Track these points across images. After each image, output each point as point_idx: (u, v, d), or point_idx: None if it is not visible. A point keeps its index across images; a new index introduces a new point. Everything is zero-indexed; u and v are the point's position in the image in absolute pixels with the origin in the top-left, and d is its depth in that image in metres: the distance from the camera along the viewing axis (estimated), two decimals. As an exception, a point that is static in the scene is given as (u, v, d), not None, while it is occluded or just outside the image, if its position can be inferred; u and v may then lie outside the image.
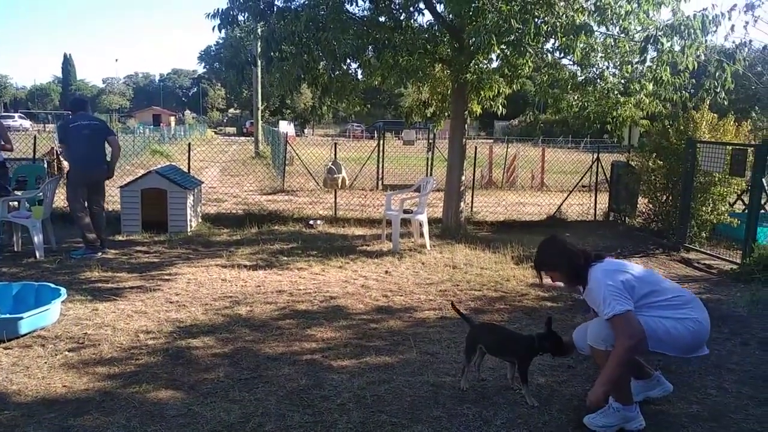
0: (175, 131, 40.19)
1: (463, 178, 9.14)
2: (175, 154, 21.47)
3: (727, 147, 7.49)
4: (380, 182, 14.90)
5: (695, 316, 3.15)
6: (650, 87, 7.96)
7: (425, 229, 7.84)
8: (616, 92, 8.17)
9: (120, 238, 7.87)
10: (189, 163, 10.08)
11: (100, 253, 6.89)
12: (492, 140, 31.99)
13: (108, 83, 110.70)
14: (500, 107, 9.41)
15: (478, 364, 3.71)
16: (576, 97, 8.42)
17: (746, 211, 7.50)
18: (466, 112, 9.01)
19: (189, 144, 10.80)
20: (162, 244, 7.57)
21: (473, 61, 8.15)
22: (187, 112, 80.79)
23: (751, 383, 3.85)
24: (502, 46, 7.37)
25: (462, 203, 9.19)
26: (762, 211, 7.19)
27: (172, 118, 65.28)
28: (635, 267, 3.27)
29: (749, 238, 6.88)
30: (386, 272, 6.52)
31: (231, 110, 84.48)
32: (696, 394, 3.67)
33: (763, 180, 6.85)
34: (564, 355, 3.55)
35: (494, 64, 8.90)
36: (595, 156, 11.63)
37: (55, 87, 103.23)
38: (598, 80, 8.27)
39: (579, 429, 3.19)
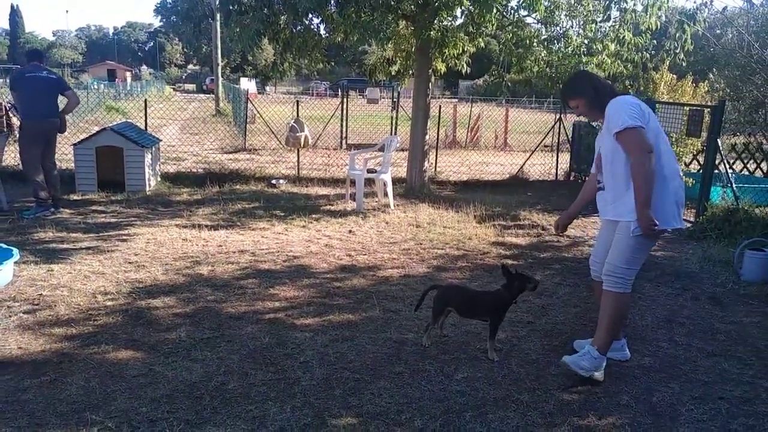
0: (131, 87, 38.88)
1: (427, 137, 9.11)
2: (131, 111, 20.75)
3: (685, 108, 7.62)
4: (344, 141, 14.75)
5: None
6: (612, 47, 8.01)
7: (389, 188, 7.82)
8: (579, 52, 8.18)
9: (75, 197, 7.63)
10: (146, 121, 9.77)
11: (53, 211, 6.68)
12: (456, 100, 31.92)
13: (58, 36, 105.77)
14: (465, 66, 9.35)
15: (442, 322, 3.76)
16: (542, 55, 8.40)
17: (701, 171, 7.69)
18: (431, 71, 8.93)
19: (145, 100, 10.45)
20: (119, 204, 7.37)
21: (437, 18, 8.03)
22: (144, 67, 78.09)
23: (700, 336, 4.01)
24: (467, 2, 7.27)
25: (426, 163, 9.19)
26: (716, 171, 7.39)
27: (128, 74, 63.09)
28: (654, 116, 3.26)
29: (703, 197, 7.09)
30: (350, 232, 6.51)
31: (190, 66, 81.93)
32: (648, 347, 3.81)
33: (718, 140, 7.02)
34: (536, 283, 3.54)
35: (458, 22, 8.79)
36: (558, 116, 11.72)
37: (2, 40, 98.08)
38: (562, 39, 8.27)
39: (536, 382, 3.29)
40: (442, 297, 3.67)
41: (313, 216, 7.13)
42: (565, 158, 11.12)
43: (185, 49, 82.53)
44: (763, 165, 10.51)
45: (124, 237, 5.90)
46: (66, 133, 7.46)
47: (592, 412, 3.00)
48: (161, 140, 9.55)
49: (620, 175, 3.16)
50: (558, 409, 3.01)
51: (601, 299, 3.34)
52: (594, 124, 9.74)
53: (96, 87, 28.75)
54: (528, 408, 3.01)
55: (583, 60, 8.22)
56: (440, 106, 11.99)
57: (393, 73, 9.88)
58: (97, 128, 9.27)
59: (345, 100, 14.79)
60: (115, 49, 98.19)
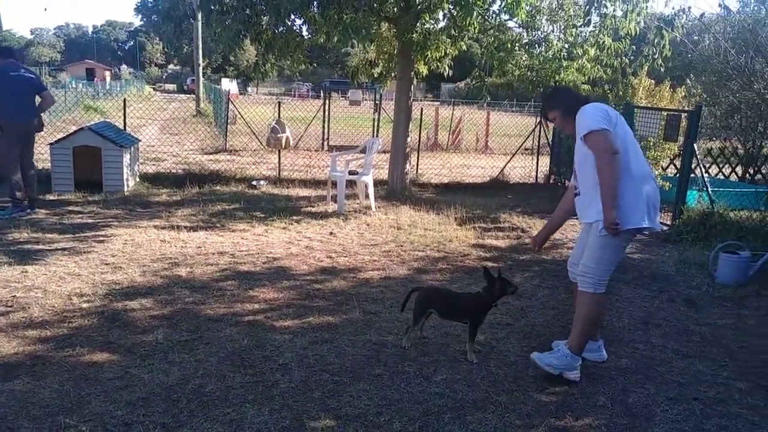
0: (110, 87, 38.40)
1: (409, 139, 9.13)
2: (110, 110, 20.52)
3: (662, 112, 7.73)
4: (325, 143, 14.72)
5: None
6: (592, 52, 8.11)
7: (371, 190, 7.82)
8: (560, 57, 8.26)
9: (51, 197, 7.51)
10: (125, 120, 9.66)
11: (28, 212, 6.57)
12: (438, 102, 32.03)
13: (36, 34, 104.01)
14: (447, 69, 9.39)
15: (422, 324, 3.77)
16: (524, 59, 8.48)
17: (677, 174, 7.81)
18: (413, 73, 8.95)
19: (125, 100, 10.33)
20: (97, 204, 7.27)
21: (419, 20, 8.06)
22: (124, 67, 77.20)
23: (676, 338, 4.07)
24: (449, 6, 7.30)
25: (407, 165, 9.20)
26: (692, 175, 7.50)
27: (107, 73, 62.35)
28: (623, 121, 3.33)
29: (679, 200, 7.19)
30: (331, 233, 6.49)
31: (171, 66, 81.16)
32: (625, 348, 3.85)
33: (694, 145, 7.13)
34: (515, 287, 3.59)
35: (441, 25, 8.83)
36: (538, 120, 11.81)
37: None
38: (543, 43, 8.35)
39: (515, 383, 3.30)
40: (424, 299, 3.67)
41: (294, 217, 7.10)
42: (545, 161, 11.21)
43: (166, 49, 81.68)
44: (738, 169, 10.71)
45: (101, 238, 5.82)
46: (43, 133, 7.35)
47: (569, 413, 3.02)
48: (140, 140, 9.45)
49: (589, 178, 3.23)
50: (536, 411, 3.03)
51: (576, 300, 3.39)
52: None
53: (74, 86, 28.34)
54: (506, 409, 3.02)
55: (564, 64, 8.30)
56: (422, 108, 12.02)
57: (375, 75, 9.89)
58: (74, 128, 9.15)
59: (327, 101, 14.77)
60: (95, 48, 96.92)
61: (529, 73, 8.52)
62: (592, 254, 3.27)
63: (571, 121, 3.35)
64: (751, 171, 10.53)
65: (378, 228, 6.81)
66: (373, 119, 13.95)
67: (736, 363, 3.71)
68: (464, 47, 9.03)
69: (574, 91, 3.58)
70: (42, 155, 8.67)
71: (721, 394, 3.31)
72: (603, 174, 3.10)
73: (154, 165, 10.46)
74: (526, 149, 12.48)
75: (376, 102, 14.67)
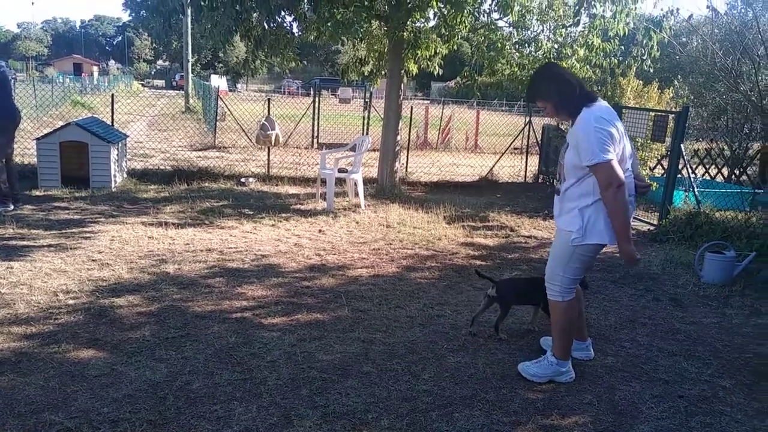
0: (98, 82, 38.06)
1: (399, 138, 9.14)
2: (97, 106, 20.37)
3: (650, 113, 7.79)
4: (315, 140, 14.69)
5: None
6: (582, 52, 8.15)
7: (360, 188, 7.82)
8: (549, 56, 8.30)
9: (37, 193, 7.44)
10: (113, 116, 9.58)
11: (13, 207, 6.51)
12: (428, 101, 32.06)
13: (23, 28, 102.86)
14: (437, 68, 9.41)
15: (478, 315, 3.96)
16: (515, 57, 8.51)
17: (664, 175, 7.87)
18: (403, 71, 8.95)
19: (113, 95, 10.25)
20: (84, 201, 7.21)
21: (410, 18, 8.06)
22: (112, 62, 76.54)
23: (662, 336, 4.11)
24: (440, 4, 7.31)
25: (397, 163, 9.21)
26: (678, 175, 7.57)
27: (95, 68, 61.78)
28: (622, 128, 3.12)
29: (666, 201, 7.25)
30: (320, 231, 6.48)
31: (159, 62, 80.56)
32: (611, 346, 3.88)
33: (681, 146, 7.19)
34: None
35: (431, 23, 8.84)
36: (528, 119, 11.86)
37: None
38: (533, 43, 8.39)
39: (502, 381, 3.32)
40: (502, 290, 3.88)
41: (283, 215, 7.08)
42: (534, 161, 11.26)
43: (155, 45, 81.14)
44: (724, 170, 10.82)
45: (88, 234, 5.77)
46: (29, 128, 7.29)
47: (555, 411, 3.04)
48: (128, 136, 9.38)
49: (575, 190, 3.12)
50: (523, 408, 3.05)
51: (550, 308, 3.38)
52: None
53: (61, 81, 28.04)
54: (494, 407, 3.04)
55: (543, 65, 8.33)
56: (412, 107, 12.03)
57: (365, 74, 9.88)
58: (61, 123, 9.06)
59: (317, 99, 14.74)
60: (82, 43, 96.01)
61: (519, 72, 8.55)
62: (559, 262, 3.21)
63: (564, 114, 3.18)
64: (737, 172, 10.64)
65: (367, 226, 6.81)
66: (363, 117, 13.94)
67: (720, 361, 3.75)
68: (455, 46, 9.05)
69: (565, 76, 3.16)
70: (28, 150, 8.60)
71: (706, 391, 3.34)
72: (612, 207, 2.99)
73: (142, 161, 10.39)
74: (515, 149, 12.53)
75: (366, 100, 14.66)
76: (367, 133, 12.18)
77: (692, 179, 7.70)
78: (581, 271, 3.25)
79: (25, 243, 5.36)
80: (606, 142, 2.95)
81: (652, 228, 7.33)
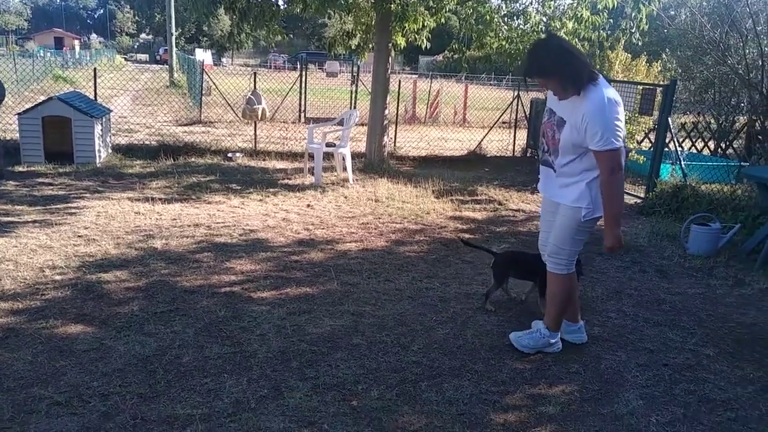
0: (80, 56, 37.34)
1: (387, 112, 9.07)
2: (80, 80, 20.01)
3: (638, 86, 7.79)
4: (302, 115, 14.56)
5: None
6: (570, 25, 8.10)
7: (348, 162, 7.78)
8: (538, 29, 8.24)
9: (20, 169, 7.33)
10: (95, 91, 9.41)
11: (-2, 185, 6.43)
12: (417, 75, 31.83)
13: (2, 2, 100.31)
14: (425, 41, 9.31)
15: (506, 286, 4.09)
16: (503, 30, 8.44)
17: (652, 148, 7.90)
18: (391, 45, 8.85)
19: (95, 69, 10.06)
20: (68, 176, 7.12)
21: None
22: (93, 36, 75.04)
23: (647, 307, 4.16)
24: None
25: (385, 137, 9.16)
26: (666, 149, 7.60)
27: (77, 42, 60.51)
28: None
29: (653, 174, 7.30)
30: (308, 206, 6.46)
31: (143, 36, 79.10)
32: (598, 317, 3.93)
33: (669, 119, 7.21)
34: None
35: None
36: (516, 93, 11.82)
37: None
38: (522, 15, 8.32)
39: (491, 352, 3.36)
40: (502, 262, 4.00)
41: (271, 190, 7.04)
42: (522, 135, 11.25)
43: (137, 18, 79.60)
44: (711, 143, 10.88)
45: (73, 210, 5.71)
46: (10, 103, 7.15)
47: (543, 380, 3.09)
48: (112, 111, 9.24)
49: (576, 166, 3.08)
50: (511, 378, 3.09)
51: (549, 281, 3.35)
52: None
53: (42, 55, 27.46)
54: (482, 377, 3.08)
55: (542, 37, 8.28)
56: (400, 81, 11.93)
57: (353, 47, 9.76)
58: (43, 98, 8.90)
59: (304, 73, 14.57)
60: (63, 16, 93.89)
61: (507, 46, 8.49)
62: (565, 236, 3.18)
63: (569, 91, 2.98)
64: (723, 145, 10.71)
65: (355, 200, 6.79)
66: (351, 91, 13.82)
67: (704, 331, 3.81)
68: (443, 19, 8.95)
69: (576, 50, 2.98)
70: (10, 126, 8.45)
71: (690, 360, 3.40)
72: (613, 191, 2.96)
73: (126, 136, 10.26)
74: (503, 123, 12.50)
75: (354, 74, 14.51)
76: (354, 108, 12.08)
77: (679, 152, 7.74)
78: (584, 242, 3.27)
79: (9, 219, 5.29)
80: (618, 128, 2.89)
81: (639, 201, 7.38)
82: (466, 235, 5.68)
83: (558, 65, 2.94)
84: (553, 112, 3.15)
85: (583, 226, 3.16)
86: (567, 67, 2.93)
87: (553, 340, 3.38)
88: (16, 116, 7.69)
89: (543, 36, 7.72)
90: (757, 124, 8.91)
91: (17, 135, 7.81)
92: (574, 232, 3.17)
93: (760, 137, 8.55)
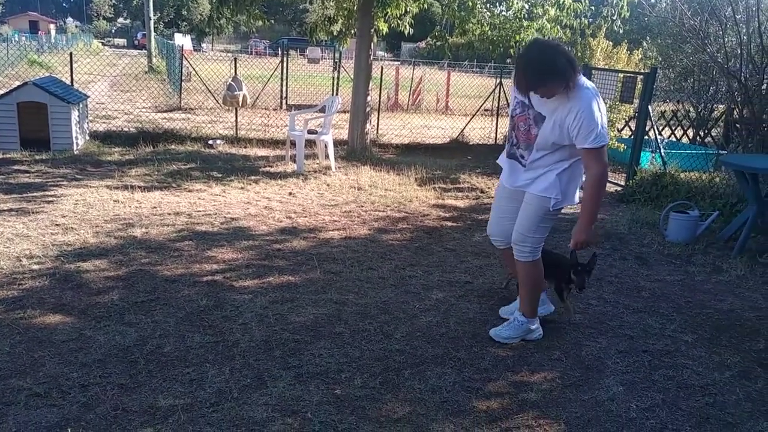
0: (55, 40, 36.54)
1: (369, 99, 9.03)
2: (56, 65, 19.59)
3: (619, 74, 7.83)
4: (284, 101, 14.43)
5: None
6: (552, 12, 8.11)
7: (330, 150, 7.74)
8: (520, 16, 8.24)
9: (-5, 156, 7.18)
10: (72, 76, 9.23)
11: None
12: (399, 62, 31.68)
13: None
14: (407, 27, 9.26)
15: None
16: (486, 16, 8.42)
17: (632, 136, 7.97)
18: (373, 31, 8.79)
19: (71, 54, 9.85)
20: (45, 163, 6.99)
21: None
22: (69, 20, 73.50)
23: (627, 294, 4.21)
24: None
25: (368, 125, 9.12)
26: (645, 137, 7.66)
27: (52, 26, 59.24)
28: None
29: (633, 162, 7.36)
30: (290, 194, 6.42)
31: (120, 20, 77.58)
32: (579, 304, 3.97)
33: (649, 107, 7.26)
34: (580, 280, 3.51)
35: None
36: (498, 81, 11.82)
37: None
38: (504, 2, 8.30)
39: (473, 339, 3.37)
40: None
41: (252, 177, 6.98)
42: (504, 122, 11.25)
43: (114, 2, 77.97)
44: (690, 132, 11.00)
45: (50, 198, 5.61)
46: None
47: (525, 367, 3.11)
48: (89, 97, 9.07)
49: (547, 158, 3.11)
50: (493, 365, 3.11)
51: (518, 269, 3.37)
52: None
53: (17, 39, 26.84)
54: (465, 364, 3.09)
55: (524, 24, 8.29)
56: (382, 67, 11.87)
57: (334, 33, 9.69)
58: (18, 83, 8.70)
59: (285, 59, 14.42)
60: (38, 0, 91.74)
61: (490, 33, 8.47)
62: (530, 225, 3.20)
63: (560, 90, 2.90)
64: (702, 134, 10.83)
65: (338, 188, 6.77)
66: (333, 78, 13.72)
67: (683, 317, 3.87)
68: (425, 5, 8.90)
69: (566, 50, 2.91)
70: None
71: (669, 346, 3.45)
72: (602, 188, 2.99)
73: (104, 123, 10.09)
74: (486, 110, 12.52)
75: (336, 60, 14.40)
76: (336, 94, 12.01)
77: (659, 140, 7.81)
78: (548, 229, 3.30)
79: (-16, 207, 5.18)
80: (605, 122, 2.92)
81: (619, 189, 7.45)
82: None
83: (566, 68, 2.83)
84: (527, 106, 3.10)
85: (549, 215, 3.22)
86: (573, 68, 2.85)
87: (533, 326, 3.40)
88: (-10, 102, 7.51)
89: (525, 43, 7.60)
90: (735, 113, 9.02)
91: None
92: (540, 220, 3.21)
93: (737, 125, 8.66)
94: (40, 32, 47.17)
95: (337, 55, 14.62)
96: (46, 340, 3.07)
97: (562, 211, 3.32)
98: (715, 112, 10.81)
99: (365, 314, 3.60)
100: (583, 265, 3.45)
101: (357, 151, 8.76)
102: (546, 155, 3.11)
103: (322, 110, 8.19)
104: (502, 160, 3.43)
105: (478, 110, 11.93)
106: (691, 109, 11.06)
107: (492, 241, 3.61)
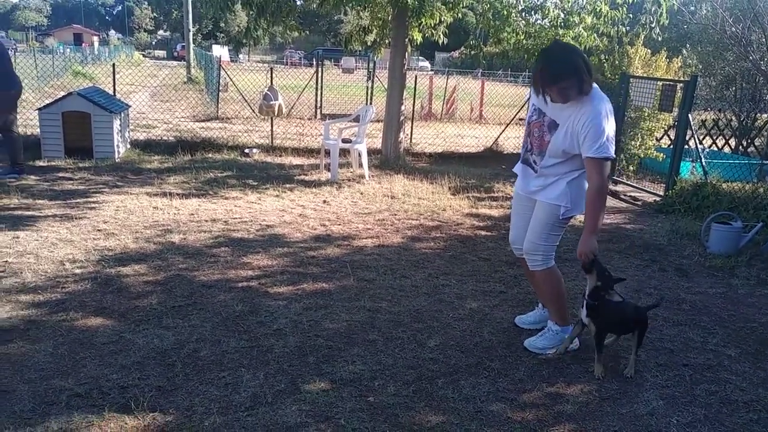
0: (98, 52, 37.67)
1: (403, 108, 9.05)
2: (99, 76, 20.20)
3: (658, 83, 7.68)
4: (318, 111, 14.58)
5: None
6: (589, 20, 8.02)
7: (364, 158, 7.78)
8: (556, 24, 8.16)
9: (41, 163, 7.42)
10: (114, 86, 9.51)
11: (16, 177, 6.53)
12: (433, 71, 31.72)
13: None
14: (442, 36, 9.26)
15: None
16: (521, 25, 8.37)
17: (671, 146, 7.80)
18: (407, 40, 8.82)
19: (114, 65, 10.15)
20: (87, 171, 7.20)
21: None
22: (112, 32, 75.83)
23: (666, 306, 4.11)
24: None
25: (401, 134, 9.14)
26: (685, 146, 7.49)
27: (95, 38, 61.23)
28: None
29: (673, 172, 7.20)
30: (324, 202, 6.47)
31: (160, 32, 79.70)
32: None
33: (689, 116, 7.11)
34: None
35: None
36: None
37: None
38: (539, 10, 8.25)
39: (508, 349, 3.33)
40: None
41: (287, 185, 7.06)
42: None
43: (155, 14, 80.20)
44: (732, 141, 10.72)
45: (93, 204, 5.77)
46: (31, 98, 7.27)
47: (561, 379, 3.06)
48: (130, 106, 9.32)
49: (559, 167, 3.12)
50: (528, 376, 3.07)
51: (536, 282, 3.40)
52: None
53: (62, 51, 27.76)
54: (499, 374, 3.06)
55: (560, 32, 8.21)
56: (416, 77, 11.90)
57: (369, 43, 9.75)
58: (63, 93, 9.00)
59: (320, 69, 14.58)
60: (82, 13, 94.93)
61: (525, 41, 8.42)
62: (541, 234, 3.21)
63: (576, 94, 2.93)
64: (744, 143, 10.54)
65: (372, 197, 6.79)
66: (367, 87, 13.81)
67: (725, 330, 3.75)
68: (459, 14, 8.90)
69: (584, 55, 2.97)
70: (30, 121, 8.55)
71: (711, 360, 3.35)
72: (603, 199, 2.98)
73: (145, 132, 10.34)
74: (520, 119, 12.40)
75: (370, 70, 14.49)
76: (370, 104, 12.09)
77: (699, 150, 7.63)
78: (559, 237, 3.30)
79: (30, 213, 5.36)
80: (612, 136, 2.95)
81: (658, 199, 7.29)
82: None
83: (578, 62, 2.89)
84: (543, 113, 3.16)
85: (559, 223, 3.21)
86: (585, 66, 2.90)
87: (567, 335, 3.35)
88: (37, 111, 7.79)
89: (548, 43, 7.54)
90: (779, 122, 8.77)
91: (38, 130, 7.92)
92: (551, 228, 3.21)
93: (782, 135, 8.41)
94: (84, 44, 48.72)
95: (371, 64, 14.72)
96: (87, 342, 3.14)
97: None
98: (759, 121, 10.52)
99: (398, 322, 3.59)
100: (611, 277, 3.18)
101: (390, 160, 8.78)
102: (557, 164, 3.13)
103: (356, 119, 8.25)
104: (517, 167, 3.43)
105: (512, 119, 11.84)
106: (734, 117, 10.78)
107: (513, 249, 3.59)
